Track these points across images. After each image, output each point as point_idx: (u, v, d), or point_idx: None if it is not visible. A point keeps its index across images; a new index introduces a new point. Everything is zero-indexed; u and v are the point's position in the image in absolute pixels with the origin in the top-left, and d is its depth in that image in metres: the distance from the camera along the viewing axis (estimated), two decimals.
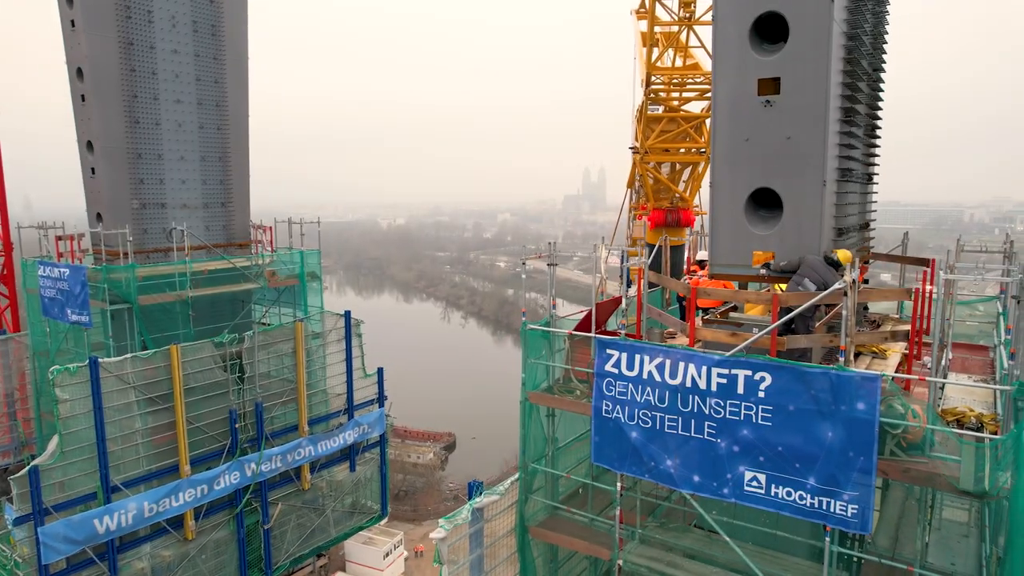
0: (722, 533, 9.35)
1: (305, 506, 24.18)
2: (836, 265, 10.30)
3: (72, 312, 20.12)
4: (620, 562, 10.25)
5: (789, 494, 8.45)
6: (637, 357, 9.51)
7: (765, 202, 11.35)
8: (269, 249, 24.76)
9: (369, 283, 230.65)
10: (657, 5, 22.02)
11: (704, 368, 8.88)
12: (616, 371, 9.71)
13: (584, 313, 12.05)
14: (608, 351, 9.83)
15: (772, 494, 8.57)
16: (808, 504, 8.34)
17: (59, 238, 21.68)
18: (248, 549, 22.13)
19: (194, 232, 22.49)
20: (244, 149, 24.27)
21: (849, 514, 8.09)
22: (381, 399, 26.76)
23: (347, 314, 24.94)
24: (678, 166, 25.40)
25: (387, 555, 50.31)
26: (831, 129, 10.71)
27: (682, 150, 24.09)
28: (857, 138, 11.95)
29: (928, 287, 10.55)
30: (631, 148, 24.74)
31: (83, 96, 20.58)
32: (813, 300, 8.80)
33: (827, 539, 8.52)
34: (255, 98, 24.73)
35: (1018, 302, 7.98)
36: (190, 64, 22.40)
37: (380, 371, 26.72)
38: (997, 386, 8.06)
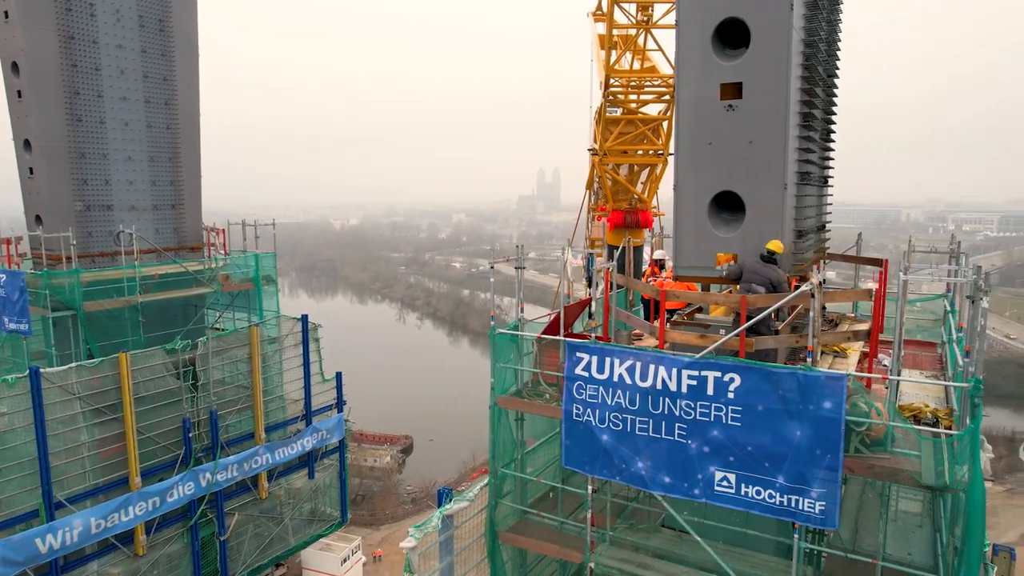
0: (692, 533, 9.45)
1: (263, 515, 23.58)
2: (773, 259, 10.51)
3: (9, 320, 19.11)
4: (592, 565, 10.26)
5: (759, 493, 8.58)
6: (607, 360, 9.52)
7: (728, 205, 11.53)
8: (222, 252, 24.05)
9: (322, 285, 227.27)
10: (615, 8, 22.29)
11: (674, 370, 8.94)
12: (586, 374, 9.71)
13: (551, 316, 12.04)
14: (578, 354, 9.82)
15: (742, 493, 8.69)
16: (777, 502, 8.49)
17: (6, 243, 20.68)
18: (203, 562, 21.45)
19: (143, 235, 21.64)
20: (196, 149, 23.52)
21: (817, 511, 8.26)
22: (340, 404, 26.32)
23: (304, 318, 24.42)
24: (636, 168, 25.71)
25: (345, 561, 49.59)
26: (791, 133, 10.95)
27: (640, 152, 24.37)
28: (814, 142, 12.25)
29: (882, 287, 10.89)
30: (590, 150, 24.94)
31: (19, 92, 19.59)
32: (781, 301, 8.96)
33: (795, 536, 8.70)
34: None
35: (972, 302, 8.30)
36: (137, 60, 21.58)
37: (339, 376, 26.27)
38: (955, 383, 8.36)
